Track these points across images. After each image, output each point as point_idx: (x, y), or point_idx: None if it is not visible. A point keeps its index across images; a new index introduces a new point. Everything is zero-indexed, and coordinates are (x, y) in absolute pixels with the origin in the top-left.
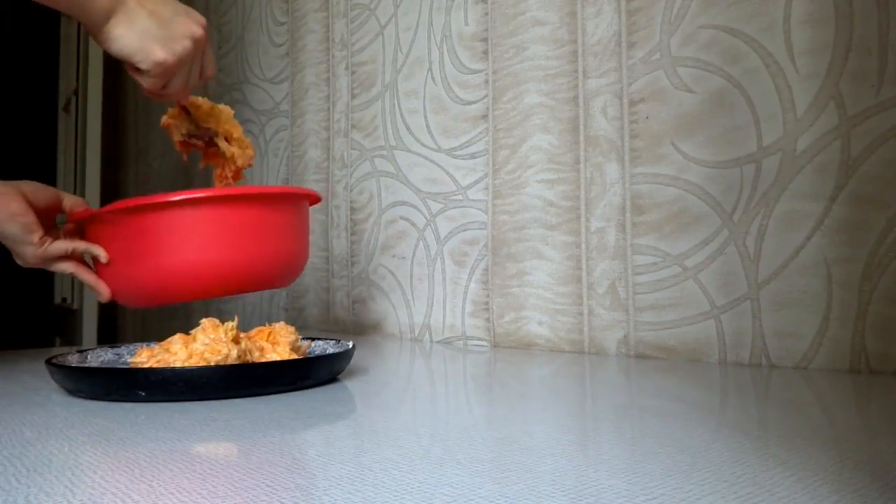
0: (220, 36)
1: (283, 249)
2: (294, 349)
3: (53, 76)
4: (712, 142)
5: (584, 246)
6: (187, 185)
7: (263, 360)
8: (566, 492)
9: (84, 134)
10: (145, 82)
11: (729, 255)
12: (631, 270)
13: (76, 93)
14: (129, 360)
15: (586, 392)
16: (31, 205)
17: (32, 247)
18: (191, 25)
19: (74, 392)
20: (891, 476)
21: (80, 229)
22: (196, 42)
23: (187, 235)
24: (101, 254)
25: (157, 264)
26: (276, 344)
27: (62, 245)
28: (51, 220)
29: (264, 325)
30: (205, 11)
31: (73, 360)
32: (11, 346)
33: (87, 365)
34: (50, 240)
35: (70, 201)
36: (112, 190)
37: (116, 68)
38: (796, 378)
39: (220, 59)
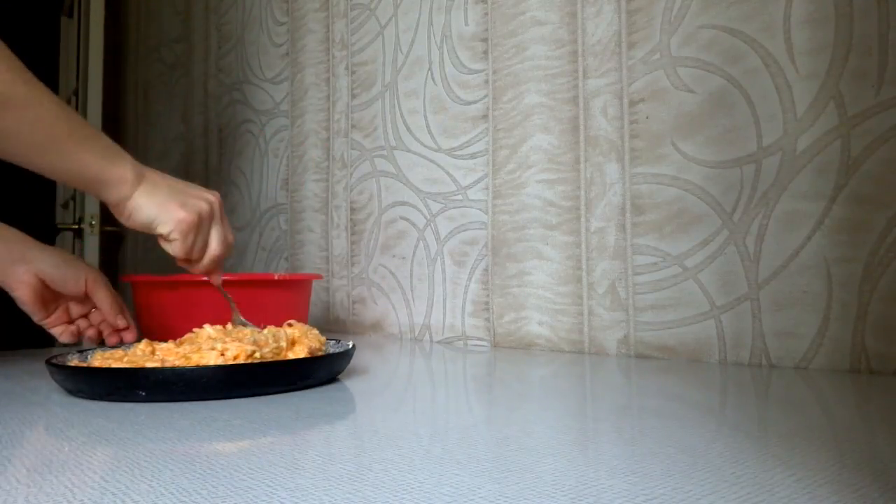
0: (220, 36)
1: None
2: (311, 353)
3: (53, 76)
4: (712, 142)
5: (584, 246)
6: None
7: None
8: (566, 492)
9: None
10: (172, 248)
11: (729, 255)
12: (631, 270)
13: (76, 93)
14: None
15: (586, 392)
16: (49, 287)
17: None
18: (204, 192)
19: (74, 392)
20: (890, 476)
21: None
22: (211, 204)
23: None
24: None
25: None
26: (298, 344)
27: (61, 329)
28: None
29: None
30: (205, 11)
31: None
32: (11, 346)
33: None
34: (49, 322)
35: (101, 298)
36: None
37: (116, 68)
38: (796, 378)
39: (220, 59)
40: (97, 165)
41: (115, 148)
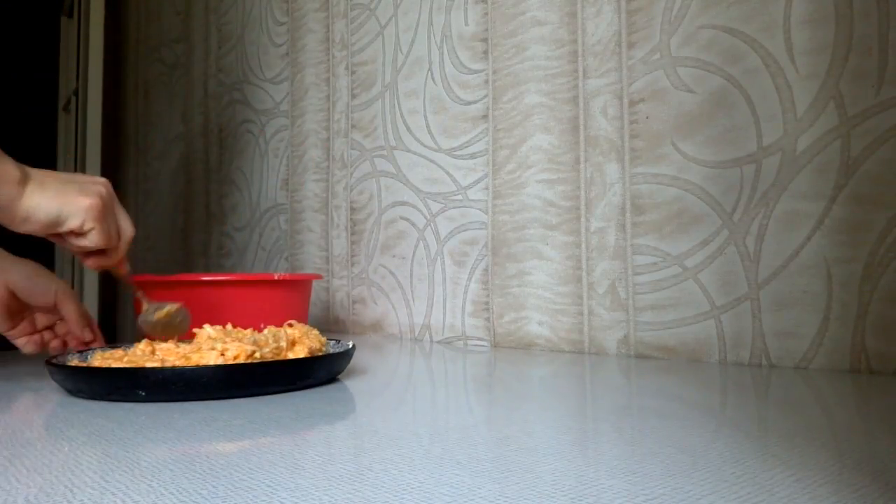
0: (220, 36)
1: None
2: (311, 353)
3: (53, 76)
4: (712, 142)
5: (584, 246)
6: (187, 185)
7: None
8: (566, 492)
9: (84, 134)
10: (91, 239)
11: (729, 255)
12: (631, 270)
13: (76, 93)
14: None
15: (586, 392)
16: (18, 298)
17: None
18: (93, 177)
19: (75, 392)
20: (890, 476)
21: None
22: (106, 186)
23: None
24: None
25: None
26: (297, 344)
27: (24, 340)
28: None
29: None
30: (205, 11)
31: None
32: (12, 346)
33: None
34: (14, 333)
35: (69, 311)
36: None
37: (116, 68)
38: (796, 378)
39: (220, 59)
40: None
41: None
